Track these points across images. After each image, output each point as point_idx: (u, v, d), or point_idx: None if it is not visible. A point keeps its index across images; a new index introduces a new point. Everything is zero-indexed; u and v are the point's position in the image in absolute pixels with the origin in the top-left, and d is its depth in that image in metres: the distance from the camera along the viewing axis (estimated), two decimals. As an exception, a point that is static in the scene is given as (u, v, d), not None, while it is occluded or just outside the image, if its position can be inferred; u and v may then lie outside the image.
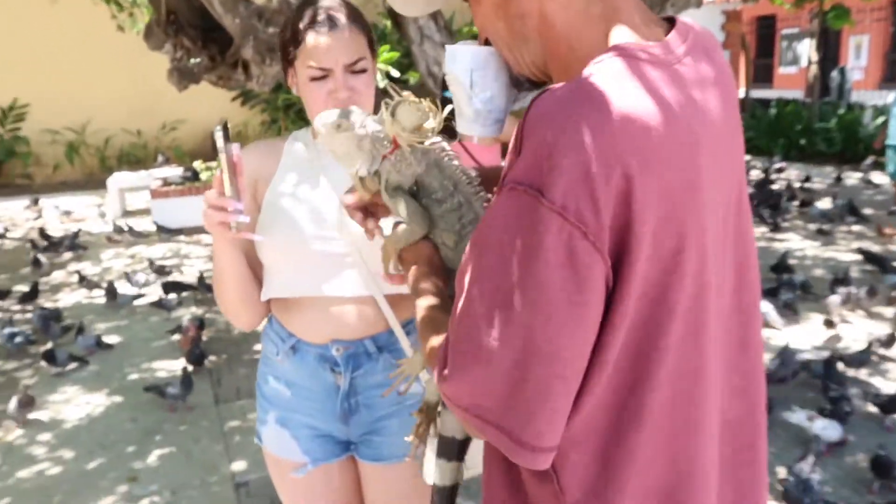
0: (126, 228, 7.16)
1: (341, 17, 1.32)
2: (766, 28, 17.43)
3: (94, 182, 10.44)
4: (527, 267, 0.69)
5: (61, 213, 8.52)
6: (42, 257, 6.41)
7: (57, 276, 6.06)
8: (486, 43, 0.89)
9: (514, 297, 0.70)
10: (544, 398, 0.72)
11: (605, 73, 0.71)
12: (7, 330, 4.34)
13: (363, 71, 1.33)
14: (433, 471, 1.08)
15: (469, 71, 0.91)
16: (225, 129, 1.19)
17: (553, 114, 0.70)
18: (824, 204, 7.46)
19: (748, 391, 0.88)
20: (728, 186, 0.82)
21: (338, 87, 1.30)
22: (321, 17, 1.30)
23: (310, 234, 1.35)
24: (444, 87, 4.02)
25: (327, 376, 1.40)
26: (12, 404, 3.44)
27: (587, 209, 0.67)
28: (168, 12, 5.11)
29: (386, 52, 9.76)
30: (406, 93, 0.98)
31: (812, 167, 10.22)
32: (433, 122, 0.97)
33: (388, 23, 8.46)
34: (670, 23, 0.83)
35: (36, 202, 9.04)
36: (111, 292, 5.13)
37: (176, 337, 4.45)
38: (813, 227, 6.83)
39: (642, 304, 0.72)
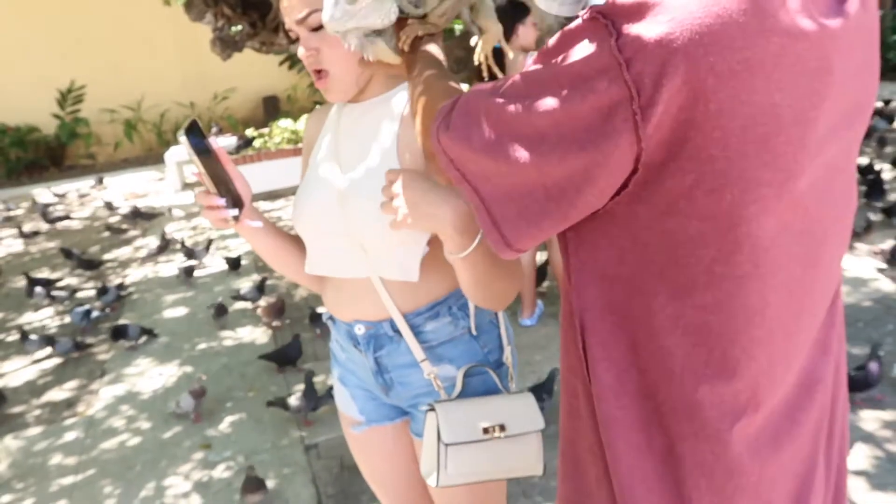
0: (183, 203, 7.29)
1: None
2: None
3: (153, 157, 10.66)
4: (564, 90, 0.68)
5: (125, 190, 8.74)
6: (113, 232, 6.62)
7: (125, 251, 6.23)
8: None
9: (540, 108, 0.70)
10: (533, 216, 0.74)
11: None
12: (79, 309, 4.49)
13: (320, 26, 1.16)
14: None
15: None
16: (193, 127, 1.15)
17: None
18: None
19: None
20: (848, 136, 0.76)
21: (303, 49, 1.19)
22: None
23: (316, 211, 1.30)
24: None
25: (357, 352, 1.37)
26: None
27: (649, 77, 0.64)
28: (205, -19, 5.08)
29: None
30: None
31: (891, 84, 9.60)
32: None
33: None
34: None
35: (101, 181, 9.30)
36: (187, 269, 5.22)
37: (240, 305, 4.53)
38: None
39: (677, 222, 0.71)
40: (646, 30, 0.64)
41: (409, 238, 1.21)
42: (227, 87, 11.03)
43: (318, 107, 1.47)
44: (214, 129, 9.26)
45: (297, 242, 1.41)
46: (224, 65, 5.79)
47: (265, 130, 8.17)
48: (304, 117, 8.33)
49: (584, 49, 0.67)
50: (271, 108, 11.20)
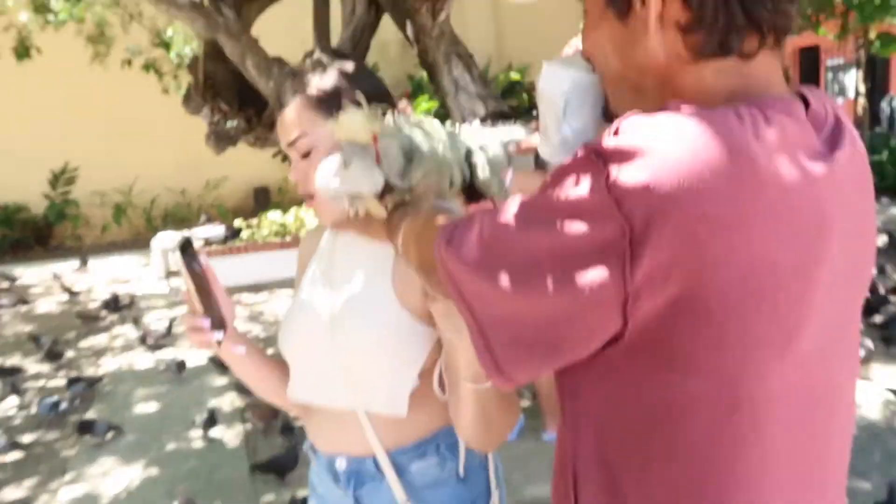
0: (168, 290, 7.21)
1: (290, 90, 1.18)
2: (810, 60, 17.14)
3: (140, 242, 10.62)
4: (559, 222, 0.67)
5: (107, 274, 8.65)
6: (87, 319, 6.49)
7: (101, 339, 6.08)
8: (589, 61, 0.83)
9: (535, 238, 0.69)
10: (526, 345, 0.72)
11: (745, 114, 0.66)
12: (48, 399, 4.33)
13: (308, 151, 1.16)
14: None
15: (565, 96, 0.84)
16: (186, 245, 1.14)
17: (671, 124, 0.65)
18: (880, 241, 7.14)
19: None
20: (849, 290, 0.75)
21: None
22: None
23: (304, 334, 1.25)
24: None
25: (336, 488, 1.28)
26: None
27: (640, 218, 0.62)
28: (205, 77, 5.18)
29: (425, 102, 9.85)
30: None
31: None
32: (378, 122, 0.99)
33: (425, 74, 8.52)
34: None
35: (84, 263, 9.21)
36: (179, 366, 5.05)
37: (215, 401, 4.39)
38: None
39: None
40: (635, 173, 0.63)
41: (399, 369, 1.16)
42: (219, 175, 11.14)
43: (313, 227, 1.45)
44: (204, 218, 9.27)
45: (280, 367, 1.35)
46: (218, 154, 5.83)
47: (254, 221, 8.18)
48: (293, 209, 8.37)
49: (578, 184, 0.66)
50: (262, 199, 11.28)
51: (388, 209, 1.04)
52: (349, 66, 1.21)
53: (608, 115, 0.84)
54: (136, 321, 6.34)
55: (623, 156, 0.64)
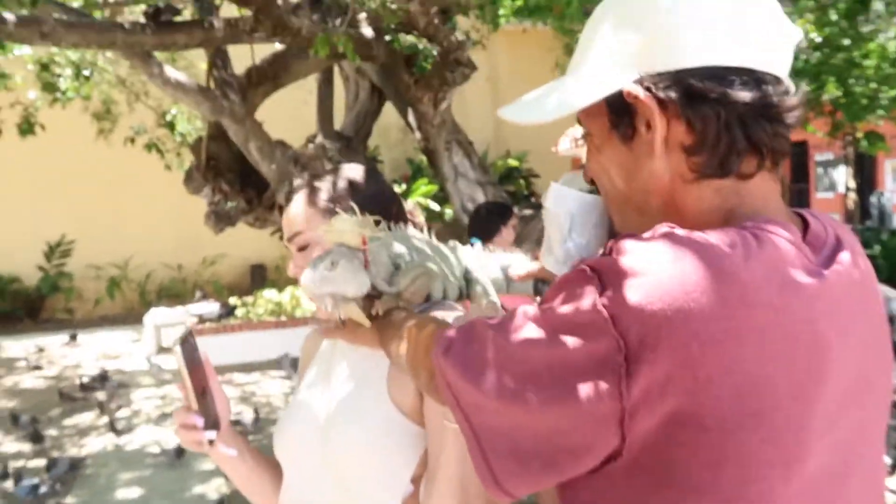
0: (158, 368, 7.09)
1: (298, 188, 1.26)
2: (800, 155, 17.52)
3: (133, 317, 10.52)
4: (556, 335, 0.68)
5: (97, 349, 8.53)
6: (72, 397, 6.34)
7: (86, 417, 5.93)
8: (592, 184, 0.86)
9: (533, 351, 0.69)
10: (523, 457, 0.71)
11: (737, 237, 0.67)
12: (27, 482, 4.18)
13: (305, 246, 1.22)
14: None
15: (571, 215, 0.90)
16: (186, 337, 1.13)
17: (660, 247, 0.67)
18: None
19: None
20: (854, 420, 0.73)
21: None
22: None
23: (298, 434, 1.22)
24: (472, 231, 3.85)
25: None
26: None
27: (635, 335, 0.64)
28: (208, 158, 5.26)
29: (424, 186, 9.97)
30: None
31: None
32: (369, 228, 1.03)
33: (425, 158, 8.67)
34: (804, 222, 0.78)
35: (74, 338, 9.09)
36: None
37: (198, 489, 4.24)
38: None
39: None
40: (629, 293, 0.65)
41: (392, 473, 1.12)
42: (216, 252, 11.15)
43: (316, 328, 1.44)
44: (199, 295, 9.23)
45: (273, 469, 1.30)
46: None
47: (249, 299, 8.13)
48: (289, 289, 8.34)
49: (574, 299, 0.68)
50: (258, 277, 11.27)
51: (378, 314, 1.05)
52: (355, 171, 1.25)
53: (614, 235, 0.86)
54: (120, 399, 6.20)
55: (618, 275, 0.66)
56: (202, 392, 1.15)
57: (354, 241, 1.03)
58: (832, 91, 5.82)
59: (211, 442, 1.15)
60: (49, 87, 6.16)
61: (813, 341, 0.67)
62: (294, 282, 9.15)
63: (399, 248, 1.05)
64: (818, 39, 5.61)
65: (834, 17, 5.64)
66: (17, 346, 8.75)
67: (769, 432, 0.66)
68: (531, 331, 0.71)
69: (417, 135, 5.49)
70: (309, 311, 7.67)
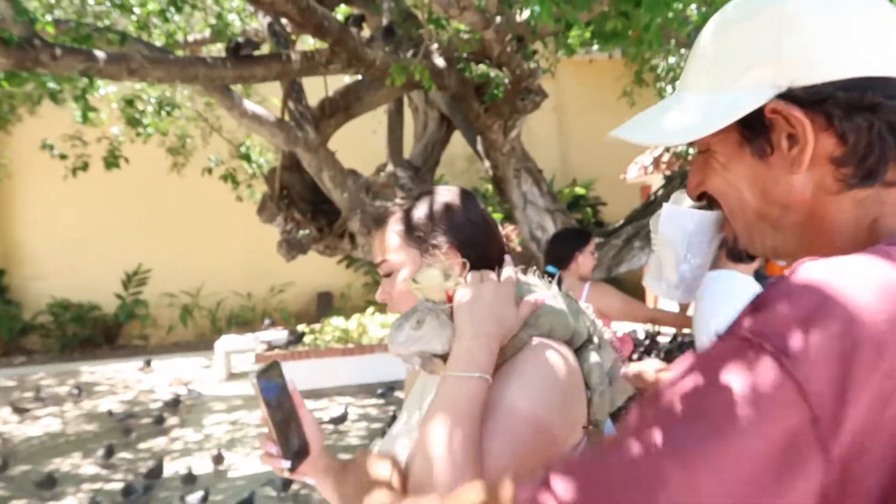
0: (227, 394, 7.22)
1: (390, 213, 1.26)
2: None
3: (204, 343, 10.79)
4: (730, 426, 0.57)
5: (170, 374, 8.75)
6: (143, 421, 6.50)
7: (159, 441, 6.06)
8: (703, 198, 0.82)
9: (692, 453, 0.56)
10: None
11: (886, 255, 0.64)
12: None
13: (390, 273, 1.22)
14: None
15: (688, 236, 0.86)
16: (266, 370, 1.13)
17: (822, 281, 0.61)
18: None
19: None
20: None
21: None
22: None
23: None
24: (548, 259, 3.74)
25: None
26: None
27: (829, 393, 0.56)
28: (281, 188, 5.37)
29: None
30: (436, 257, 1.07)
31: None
32: (453, 282, 1.04)
33: (490, 187, 8.67)
34: None
35: (148, 363, 9.35)
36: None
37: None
38: None
39: None
40: (815, 342, 0.57)
41: None
42: (284, 280, 11.36)
43: None
44: (267, 322, 9.38)
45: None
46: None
47: (316, 327, 8.23)
48: (355, 316, 8.41)
49: (749, 376, 0.58)
50: (324, 304, 11.41)
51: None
52: (446, 197, 1.22)
53: (735, 255, 0.81)
54: (192, 424, 6.30)
55: (794, 325, 0.58)
56: (284, 421, 1.15)
57: (439, 295, 1.05)
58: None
59: (292, 470, 1.15)
60: (133, 122, 6.42)
61: None
62: (361, 308, 9.22)
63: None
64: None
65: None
66: (97, 372, 9.05)
67: None
68: (688, 436, 0.58)
69: (486, 163, 5.49)
70: (376, 338, 7.71)
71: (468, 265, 1.08)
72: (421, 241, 1.17)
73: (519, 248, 1.25)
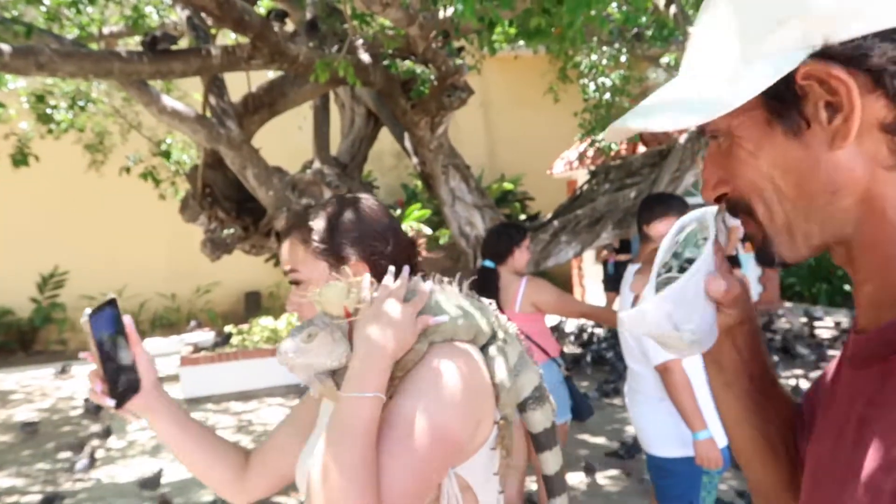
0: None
1: (291, 225, 1.26)
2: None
3: (126, 347, 10.43)
4: None
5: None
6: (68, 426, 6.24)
7: (80, 452, 5.82)
8: (717, 201, 0.71)
9: None
10: None
11: None
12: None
13: (299, 283, 1.21)
14: None
15: (665, 318, 0.75)
16: (102, 307, 1.15)
17: None
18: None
19: None
20: None
21: None
22: None
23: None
24: (485, 254, 3.76)
25: None
26: None
27: None
28: (204, 185, 5.23)
29: (417, 211, 9.96)
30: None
31: (858, 312, 9.85)
32: (354, 298, 1.05)
33: (419, 183, 8.66)
34: None
35: (65, 370, 8.98)
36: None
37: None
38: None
39: None
40: None
41: None
42: (210, 280, 11.09)
43: None
44: (193, 324, 9.14)
45: (224, 450, 1.27)
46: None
47: (244, 327, 8.07)
48: (284, 315, 8.28)
49: None
50: (252, 304, 11.20)
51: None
52: (346, 207, 1.22)
53: (766, 260, 0.69)
54: (114, 432, 6.10)
55: None
56: (112, 359, 1.17)
57: (338, 311, 1.04)
58: None
59: (117, 407, 1.16)
60: (44, 119, 6.14)
61: None
62: (290, 309, 9.11)
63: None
64: None
65: None
66: (10, 379, 8.63)
67: None
68: None
69: (414, 160, 5.48)
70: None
71: (375, 284, 1.08)
72: (328, 253, 1.18)
73: (426, 254, 1.25)
